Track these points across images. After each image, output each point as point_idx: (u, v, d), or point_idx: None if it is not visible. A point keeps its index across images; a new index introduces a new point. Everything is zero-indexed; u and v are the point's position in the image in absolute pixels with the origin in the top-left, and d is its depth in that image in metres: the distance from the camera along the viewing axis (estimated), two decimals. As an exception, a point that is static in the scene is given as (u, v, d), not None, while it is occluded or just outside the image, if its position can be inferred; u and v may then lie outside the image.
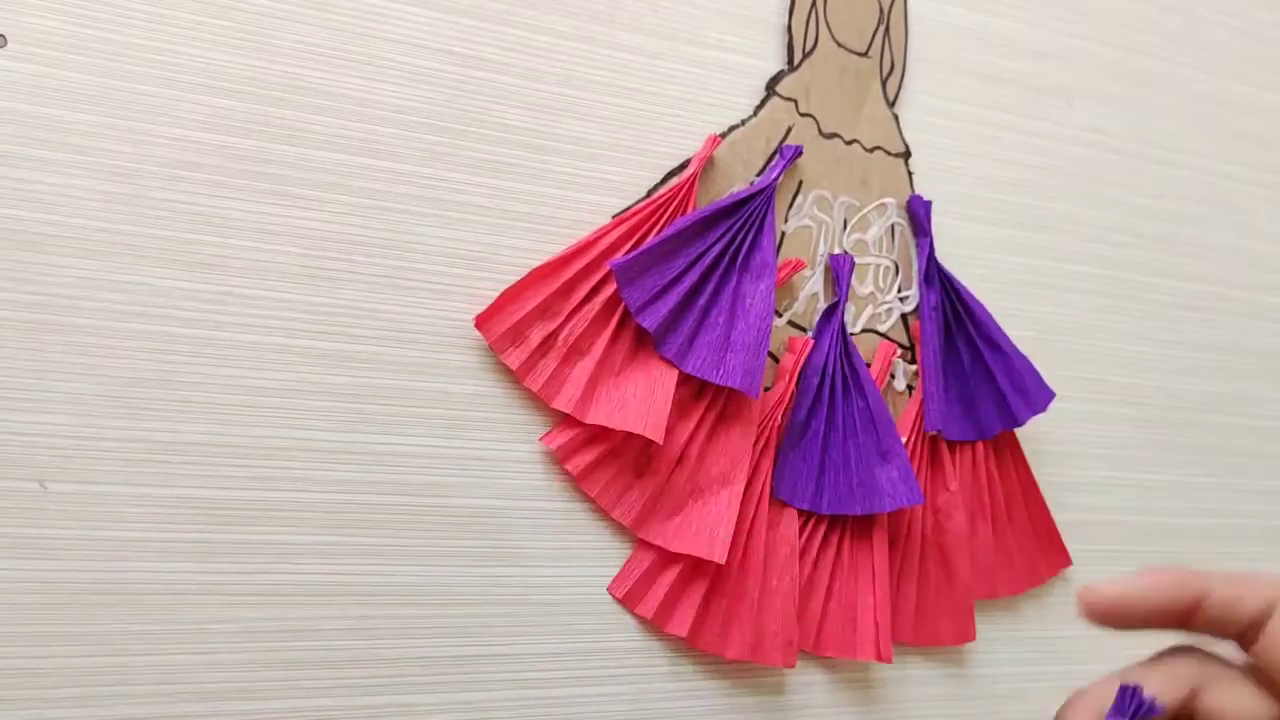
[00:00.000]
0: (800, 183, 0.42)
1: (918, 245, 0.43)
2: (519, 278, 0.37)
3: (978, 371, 0.42)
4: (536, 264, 0.37)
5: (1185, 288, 0.51)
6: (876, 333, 0.43)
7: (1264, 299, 0.53)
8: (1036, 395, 0.42)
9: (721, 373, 0.38)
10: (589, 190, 0.39)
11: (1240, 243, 0.52)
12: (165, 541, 0.32)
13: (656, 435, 0.36)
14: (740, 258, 0.39)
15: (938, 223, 0.44)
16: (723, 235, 0.38)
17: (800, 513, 0.40)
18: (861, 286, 0.43)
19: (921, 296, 0.42)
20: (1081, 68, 0.49)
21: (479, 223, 0.37)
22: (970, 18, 0.46)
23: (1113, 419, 0.47)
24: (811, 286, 0.42)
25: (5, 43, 0.32)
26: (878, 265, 0.43)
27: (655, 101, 0.40)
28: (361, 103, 0.36)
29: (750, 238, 0.39)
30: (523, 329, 0.36)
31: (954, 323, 0.43)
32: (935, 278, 0.43)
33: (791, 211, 0.42)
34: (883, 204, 0.43)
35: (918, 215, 0.43)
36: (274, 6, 0.35)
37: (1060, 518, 0.45)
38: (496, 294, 0.36)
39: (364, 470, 0.35)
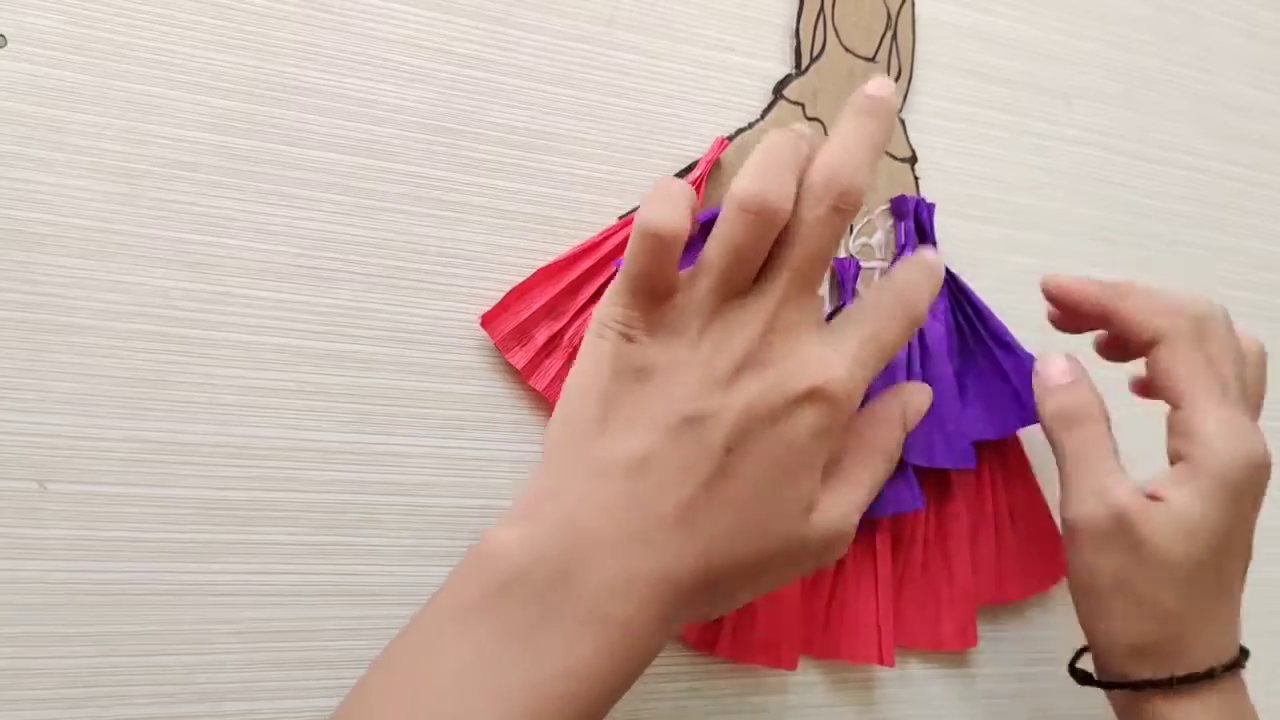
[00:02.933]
0: (806, 186, 0.42)
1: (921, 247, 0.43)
2: (523, 277, 0.37)
3: (992, 371, 0.42)
4: (537, 264, 0.37)
5: (1185, 287, 0.51)
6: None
7: (1264, 299, 0.53)
8: None
9: None
10: (589, 190, 0.39)
11: (1240, 243, 0.52)
12: (165, 541, 0.32)
13: None
14: None
15: (938, 223, 0.43)
16: None
17: (802, 515, 0.40)
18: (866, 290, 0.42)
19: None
20: (1081, 68, 0.49)
21: (478, 223, 0.37)
22: (970, 17, 0.46)
23: (1113, 418, 0.47)
24: (816, 291, 0.42)
25: (5, 43, 0.32)
26: (883, 269, 0.43)
27: (656, 101, 0.40)
28: (360, 103, 0.36)
29: None
30: (528, 328, 0.36)
31: (965, 324, 0.42)
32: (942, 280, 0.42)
33: (797, 215, 0.42)
34: (889, 209, 0.43)
35: (921, 218, 0.43)
36: (273, 6, 0.35)
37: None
38: (496, 294, 0.36)
39: (364, 470, 0.35)
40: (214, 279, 0.34)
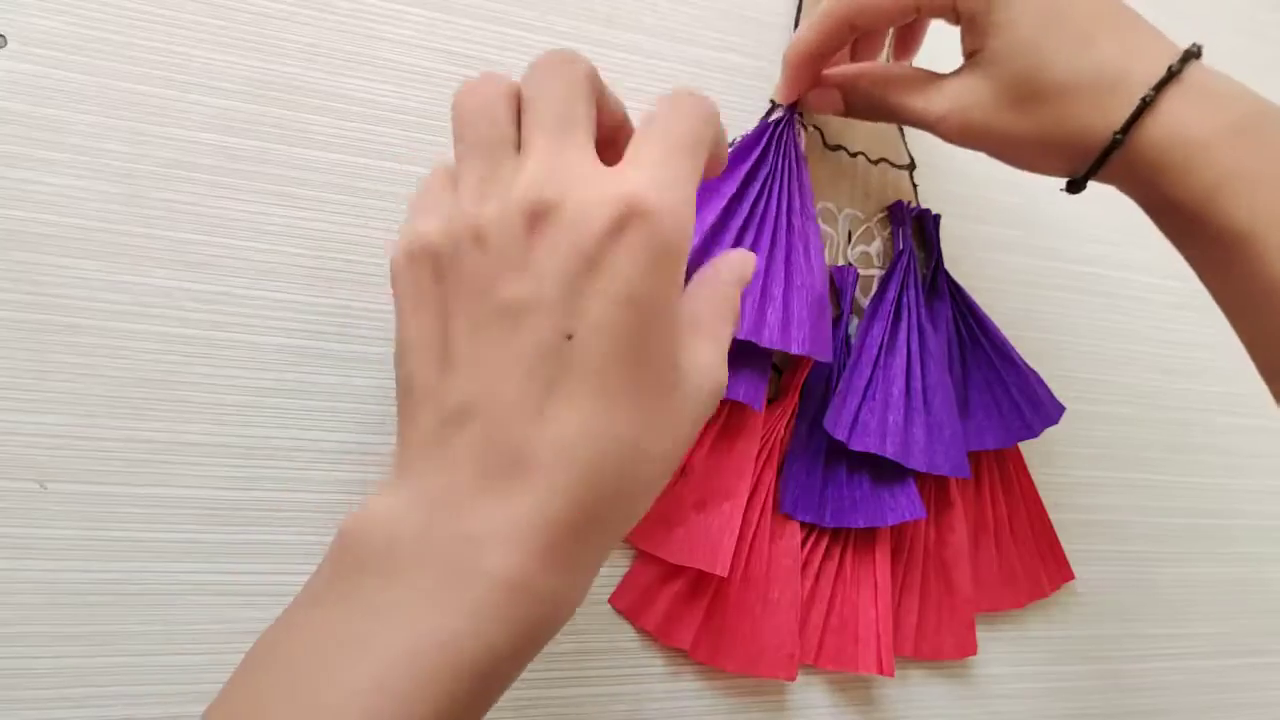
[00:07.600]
0: (805, 195, 0.42)
1: (924, 257, 0.43)
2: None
3: (993, 383, 0.42)
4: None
5: (1185, 287, 0.51)
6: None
7: (1264, 299, 0.53)
8: (1050, 408, 0.42)
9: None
10: (589, 190, 0.39)
11: (1240, 243, 0.52)
12: (165, 541, 0.32)
13: None
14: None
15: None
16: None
17: (802, 526, 0.40)
18: (865, 299, 0.42)
19: (931, 310, 0.42)
20: (1081, 68, 0.49)
21: (479, 223, 0.37)
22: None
23: (1112, 419, 0.47)
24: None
25: (5, 43, 0.32)
26: (880, 277, 0.43)
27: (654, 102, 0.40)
28: (360, 103, 0.36)
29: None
30: None
31: (967, 336, 0.42)
32: (945, 290, 0.42)
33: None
34: (886, 216, 0.43)
35: (926, 229, 0.43)
36: (273, 7, 0.35)
37: (1057, 518, 0.45)
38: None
39: (364, 470, 0.35)
40: (215, 279, 0.34)
